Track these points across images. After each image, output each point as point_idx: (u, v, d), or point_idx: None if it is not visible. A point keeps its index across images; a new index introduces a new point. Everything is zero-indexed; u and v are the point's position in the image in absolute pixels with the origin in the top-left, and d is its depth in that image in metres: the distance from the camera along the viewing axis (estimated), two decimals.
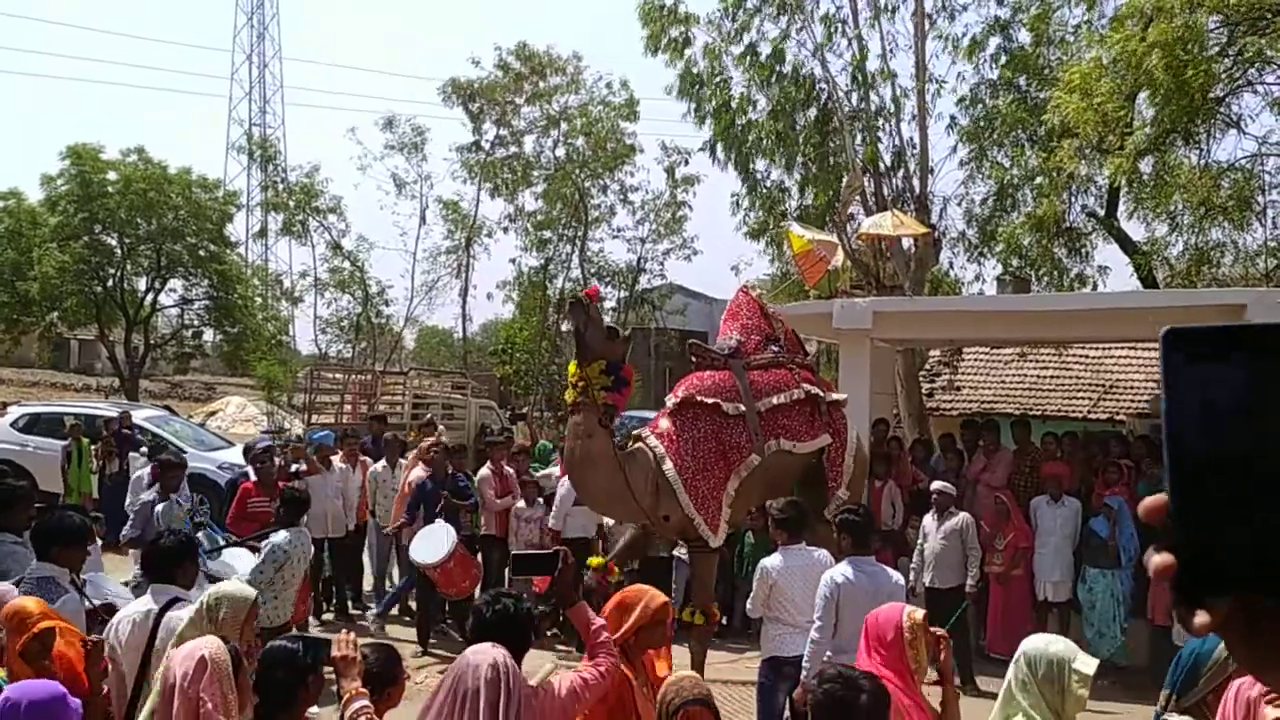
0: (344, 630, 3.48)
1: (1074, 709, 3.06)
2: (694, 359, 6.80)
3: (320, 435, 10.60)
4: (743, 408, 6.35)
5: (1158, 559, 0.80)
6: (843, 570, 5.29)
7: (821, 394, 6.72)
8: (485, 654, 2.82)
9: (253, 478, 9.13)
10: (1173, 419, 0.80)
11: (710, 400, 6.31)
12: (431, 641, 9.11)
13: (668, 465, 6.17)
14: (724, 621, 9.48)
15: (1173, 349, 0.81)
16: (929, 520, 8.48)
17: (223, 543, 7.57)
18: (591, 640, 3.62)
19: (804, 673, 5.20)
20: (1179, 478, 0.79)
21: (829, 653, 5.17)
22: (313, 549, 7.23)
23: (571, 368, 6.12)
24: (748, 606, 6.07)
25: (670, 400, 6.66)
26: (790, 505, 5.77)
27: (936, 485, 8.72)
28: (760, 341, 6.73)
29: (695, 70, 16.73)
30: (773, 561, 5.71)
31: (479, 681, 2.74)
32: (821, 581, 5.32)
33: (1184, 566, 0.78)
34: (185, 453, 11.53)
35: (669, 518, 6.30)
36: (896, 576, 5.50)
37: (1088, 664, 3.12)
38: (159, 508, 7.87)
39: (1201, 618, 0.78)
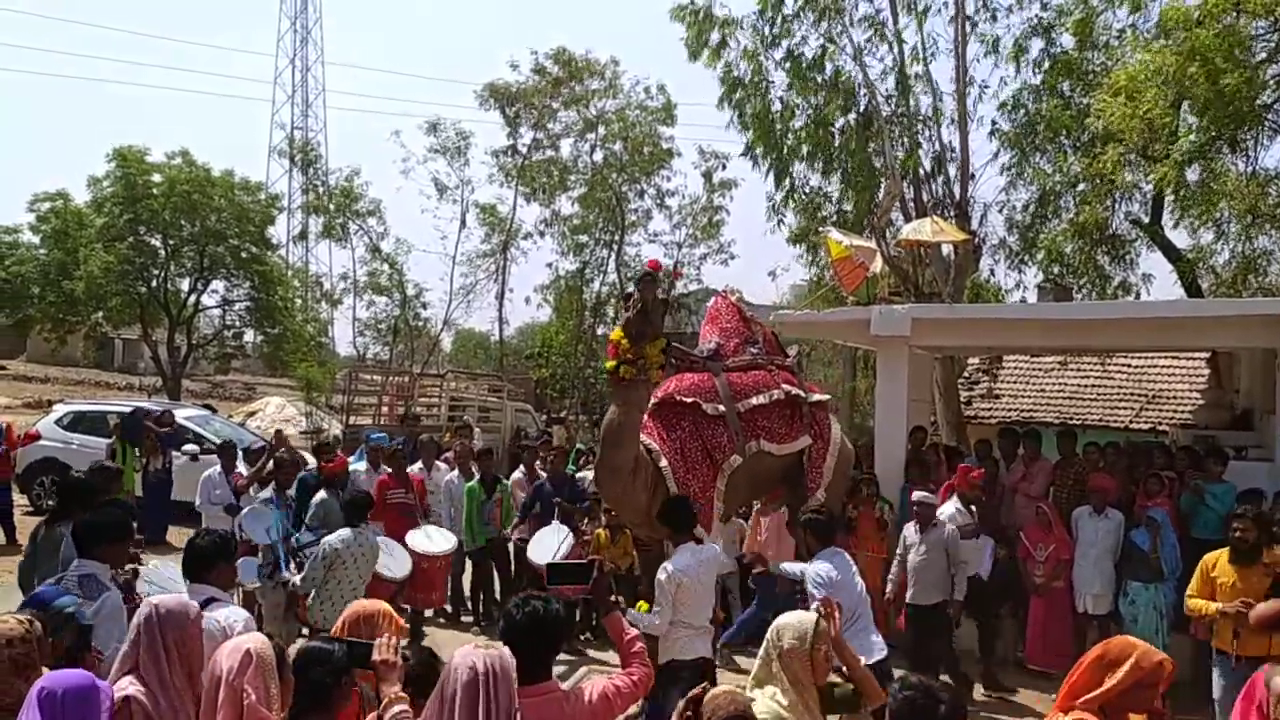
0: (386, 635, 3.48)
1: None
2: (673, 361, 6.71)
3: (377, 436, 10.71)
4: (722, 408, 6.27)
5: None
6: (823, 567, 5.80)
7: (802, 395, 6.61)
8: (468, 657, 2.81)
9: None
10: None
11: (690, 400, 6.25)
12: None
13: (664, 463, 6.11)
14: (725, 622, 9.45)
15: None
16: (910, 531, 8.14)
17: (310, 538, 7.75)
18: (626, 650, 3.64)
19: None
20: None
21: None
22: (378, 550, 7.20)
23: (620, 340, 5.87)
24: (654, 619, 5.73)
25: (650, 402, 6.60)
26: (823, 510, 5.87)
27: (917, 496, 8.33)
28: (739, 344, 6.67)
29: (735, 75, 16.68)
30: (675, 564, 5.68)
31: (457, 685, 2.74)
32: (810, 578, 5.82)
33: None
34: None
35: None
36: (843, 555, 6.03)
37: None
38: (245, 513, 8.16)
39: None
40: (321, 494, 8.36)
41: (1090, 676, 3.31)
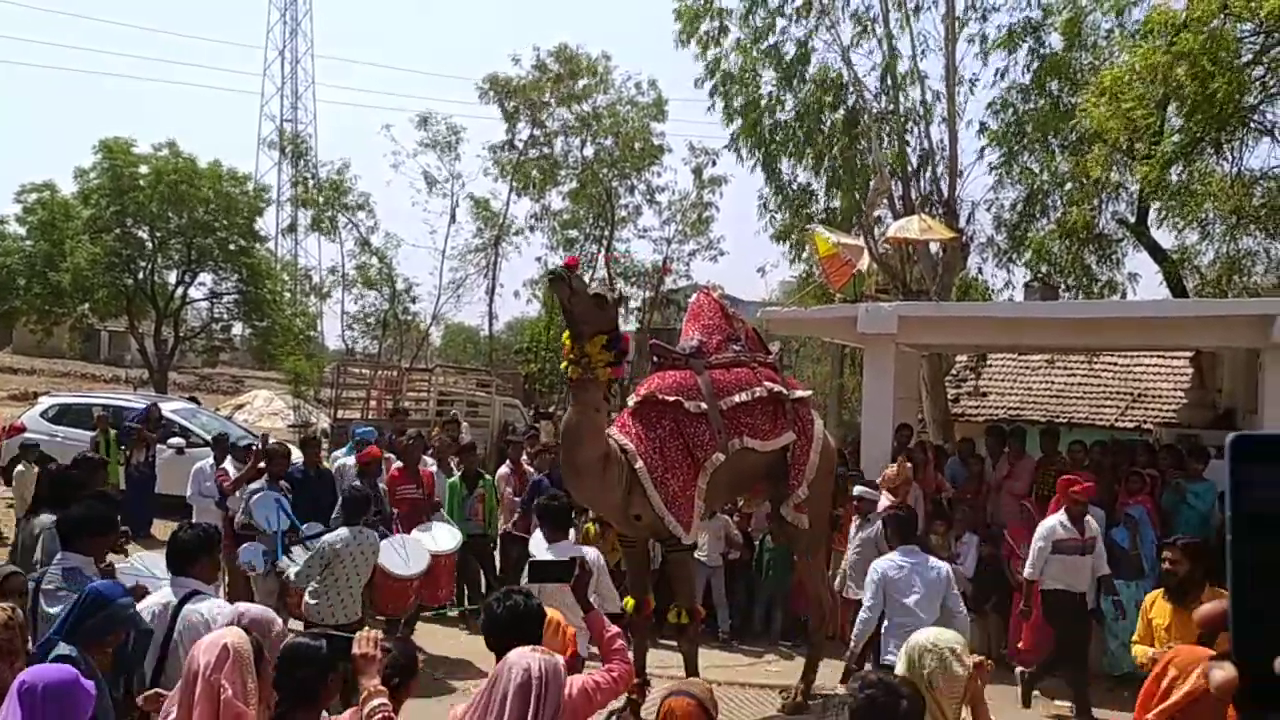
0: (365, 628, 3.51)
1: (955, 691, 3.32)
2: (655, 358, 6.72)
3: (364, 430, 10.69)
4: (704, 406, 6.24)
5: (1220, 675, 0.77)
6: (891, 559, 6.05)
7: (785, 391, 6.60)
8: (524, 659, 2.84)
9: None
10: (1237, 520, 0.77)
11: (671, 398, 6.22)
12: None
13: (639, 464, 6.08)
14: (732, 624, 9.46)
15: (1238, 454, 0.79)
16: (854, 527, 8.24)
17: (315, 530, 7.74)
18: (606, 647, 3.70)
19: (852, 641, 6.15)
20: (1241, 581, 0.77)
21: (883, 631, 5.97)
22: (377, 548, 7.20)
23: (566, 341, 5.82)
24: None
25: (631, 400, 6.60)
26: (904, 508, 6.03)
27: (858, 490, 8.35)
28: (721, 341, 6.64)
29: (724, 66, 16.71)
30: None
31: (510, 685, 2.77)
32: (871, 569, 6.14)
33: (1245, 680, 0.76)
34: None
35: (640, 517, 6.21)
36: (941, 567, 6.14)
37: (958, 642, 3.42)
38: (255, 498, 8.09)
39: None
40: (355, 483, 8.32)
41: (1158, 686, 3.29)
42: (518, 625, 3.34)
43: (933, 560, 6.20)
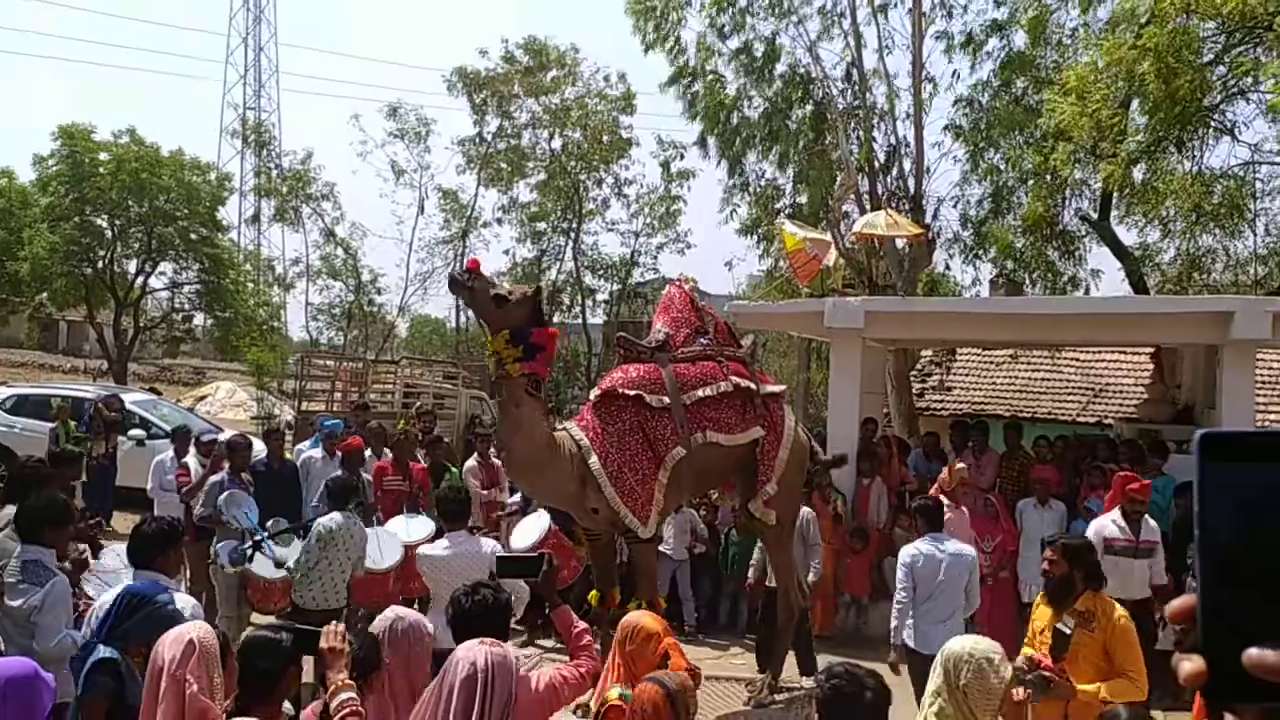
0: (333, 622, 3.48)
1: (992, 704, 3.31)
2: (621, 352, 6.70)
3: (331, 423, 10.58)
4: (667, 400, 6.21)
5: (1188, 666, 0.78)
6: (919, 546, 6.28)
7: (754, 386, 6.54)
8: (470, 652, 2.82)
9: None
10: (1205, 515, 0.79)
11: (632, 392, 6.19)
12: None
13: (593, 460, 6.05)
14: (698, 617, 9.48)
15: (1205, 451, 0.80)
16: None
17: (284, 526, 7.66)
18: (574, 643, 3.74)
19: (891, 634, 6.30)
20: (1209, 575, 0.78)
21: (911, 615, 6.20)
22: (365, 537, 7.14)
23: (488, 341, 5.98)
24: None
25: (593, 393, 6.60)
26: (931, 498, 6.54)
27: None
28: (689, 334, 6.60)
29: (687, 63, 16.70)
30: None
31: (456, 679, 2.75)
32: (901, 554, 6.42)
33: (1213, 673, 0.77)
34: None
35: (597, 510, 6.22)
36: (967, 553, 6.39)
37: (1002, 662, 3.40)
38: (225, 495, 7.95)
39: None
40: (338, 474, 8.21)
41: None
42: (486, 618, 3.33)
43: (958, 545, 6.41)
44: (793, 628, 7.24)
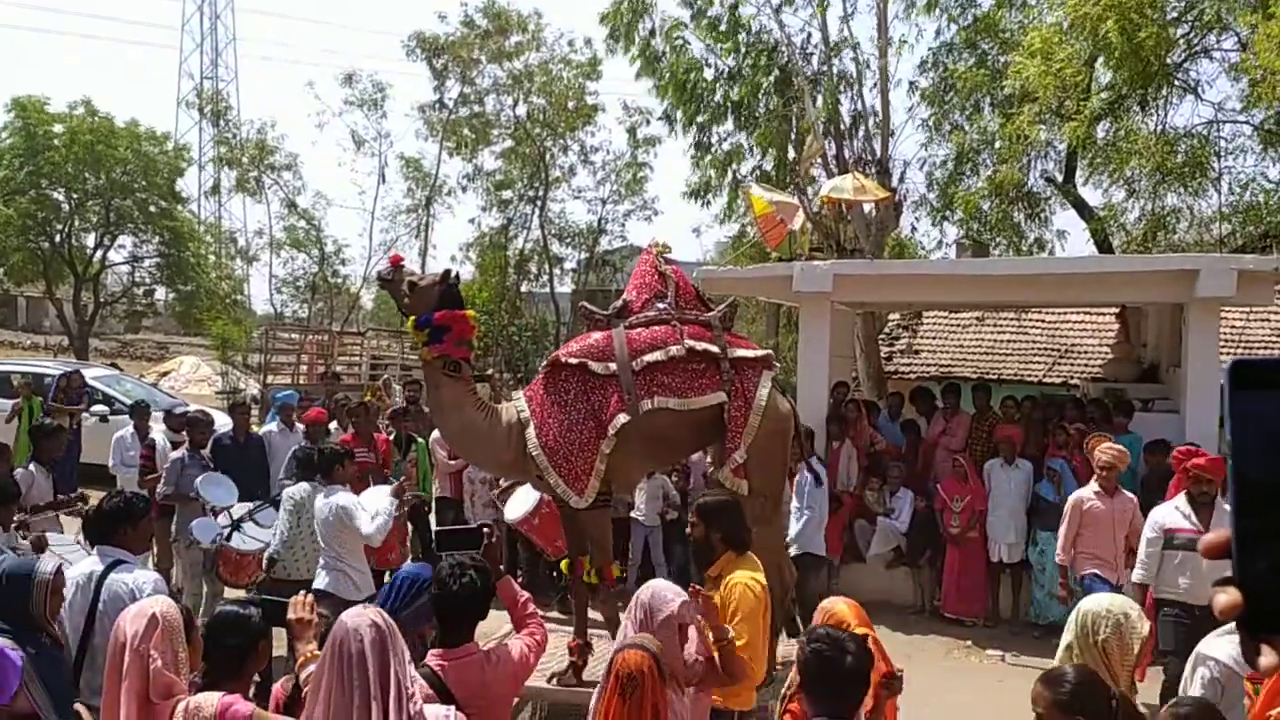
0: (301, 593, 3.45)
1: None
2: (586, 320, 6.68)
3: (284, 395, 10.44)
4: (614, 366, 6.16)
5: (1223, 598, 0.78)
6: (1085, 491, 6.97)
7: (717, 350, 6.44)
8: (362, 617, 2.77)
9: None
10: (1236, 446, 0.79)
11: (576, 360, 6.16)
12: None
13: (530, 431, 6.07)
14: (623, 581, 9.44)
15: (1236, 380, 0.80)
16: None
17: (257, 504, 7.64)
18: (520, 613, 3.80)
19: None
20: (1241, 506, 0.78)
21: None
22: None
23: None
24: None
25: (541, 363, 6.67)
26: None
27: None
28: (648, 299, 6.54)
29: (654, 46, 16.63)
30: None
31: (362, 644, 2.69)
32: (1070, 498, 7.20)
33: (1249, 605, 0.77)
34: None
35: (541, 478, 6.22)
36: (1129, 500, 6.94)
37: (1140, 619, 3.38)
38: (203, 477, 7.87)
39: (1268, 658, 0.77)
40: (303, 444, 8.11)
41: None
42: (471, 598, 3.35)
43: (1126, 494, 7.05)
44: (787, 601, 7.11)
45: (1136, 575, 6.14)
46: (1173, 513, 6.00)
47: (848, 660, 2.89)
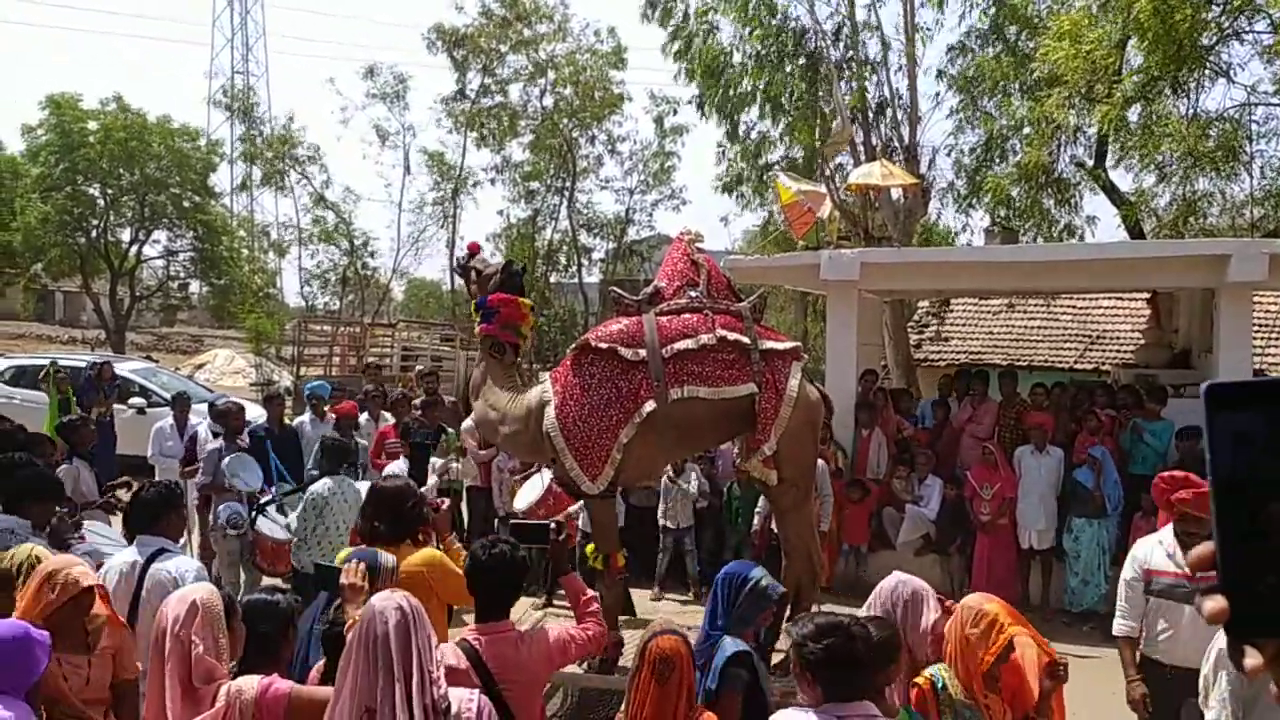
0: (354, 560, 3.53)
1: None
2: (615, 306, 6.67)
3: (314, 385, 10.57)
4: (643, 353, 6.13)
5: (1211, 605, 0.82)
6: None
7: (749, 341, 6.39)
8: (390, 600, 2.84)
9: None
10: (1216, 453, 0.83)
11: (606, 346, 6.13)
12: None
13: (549, 411, 6.07)
14: (700, 570, 9.46)
15: (1212, 402, 0.84)
16: None
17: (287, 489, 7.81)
18: (582, 609, 3.82)
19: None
20: (1221, 509, 0.82)
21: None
22: (360, 498, 7.18)
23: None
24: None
25: (570, 347, 6.64)
26: None
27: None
28: (679, 287, 6.50)
29: (686, 30, 16.62)
30: None
31: (386, 627, 2.76)
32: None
33: (1234, 609, 0.81)
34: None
35: (555, 461, 6.24)
36: None
37: None
38: (229, 460, 7.94)
39: (1252, 659, 0.80)
40: (331, 434, 8.22)
41: None
42: (503, 572, 3.43)
43: None
44: (815, 591, 7.02)
45: (1118, 628, 4.92)
46: (1156, 549, 4.80)
47: (858, 647, 2.89)
